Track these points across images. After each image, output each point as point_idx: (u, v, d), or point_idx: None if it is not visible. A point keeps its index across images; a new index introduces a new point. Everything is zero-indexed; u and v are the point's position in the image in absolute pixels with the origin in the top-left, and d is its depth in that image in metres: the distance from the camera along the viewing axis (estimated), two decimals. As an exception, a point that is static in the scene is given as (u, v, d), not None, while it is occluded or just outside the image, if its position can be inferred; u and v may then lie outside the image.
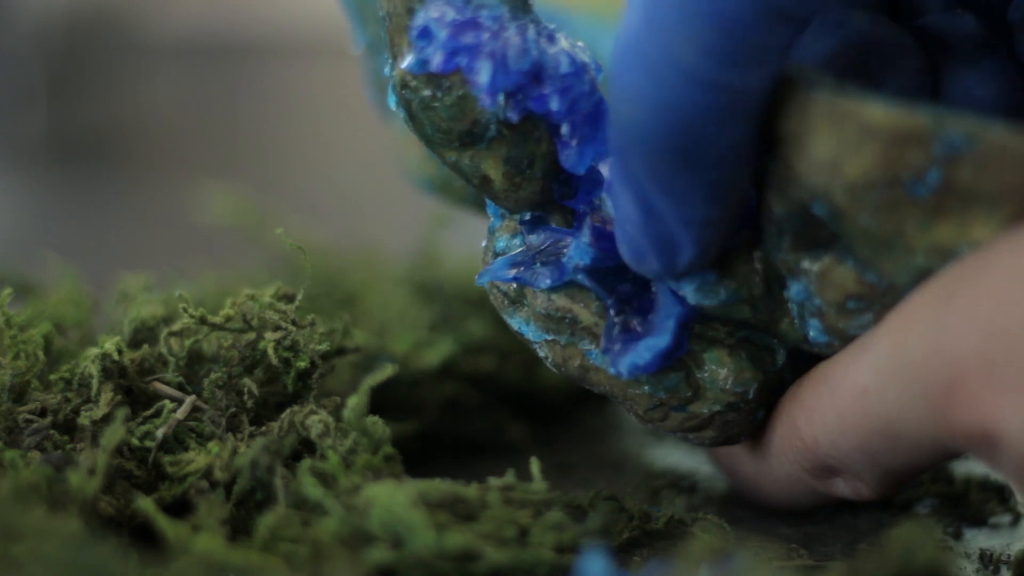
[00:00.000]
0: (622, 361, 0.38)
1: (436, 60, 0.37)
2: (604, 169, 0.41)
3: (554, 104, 0.38)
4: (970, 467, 0.46)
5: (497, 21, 0.38)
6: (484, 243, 0.41)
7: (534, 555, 0.34)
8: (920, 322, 0.33)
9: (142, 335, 0.42)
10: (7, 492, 0.34)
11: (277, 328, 0.40)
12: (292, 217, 0.57)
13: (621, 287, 0.39)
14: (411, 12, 0.38)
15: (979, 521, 0.42)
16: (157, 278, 0.47)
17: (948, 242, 0.34)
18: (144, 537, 0.36)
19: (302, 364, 0.40)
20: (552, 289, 0.39)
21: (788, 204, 0.35)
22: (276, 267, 0.56)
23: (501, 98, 0.38)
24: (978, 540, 0.41)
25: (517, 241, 0.40)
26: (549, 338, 0.40)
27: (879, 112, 0.33)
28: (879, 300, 0.35)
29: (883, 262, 0.35)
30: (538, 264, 0.40)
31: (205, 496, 0.36)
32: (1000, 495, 0.43)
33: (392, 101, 0.39)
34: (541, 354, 0.40)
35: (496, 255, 0.40)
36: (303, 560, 0.34)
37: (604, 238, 0.39)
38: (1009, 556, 0.39)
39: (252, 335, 0.40)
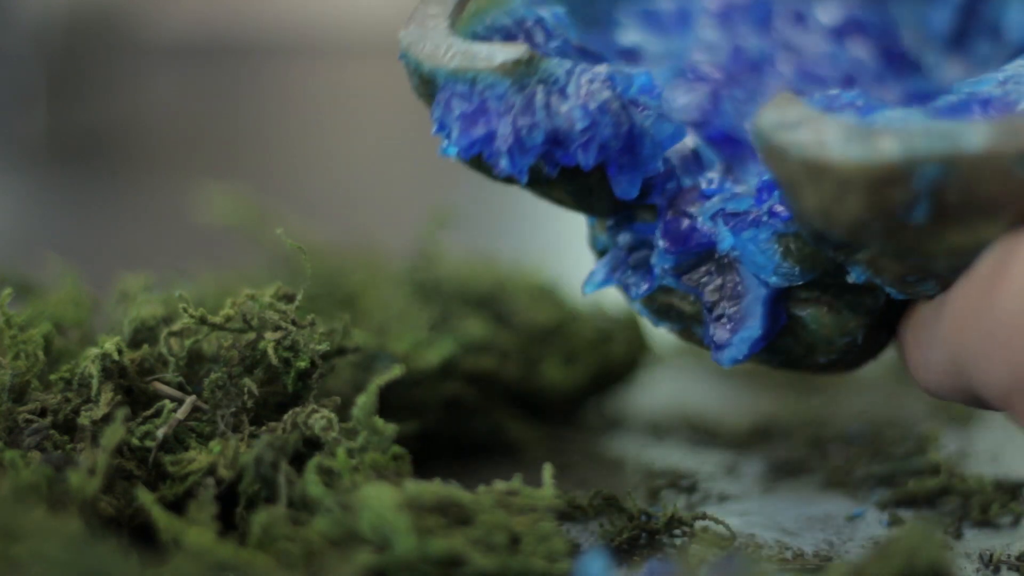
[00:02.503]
0: (723, 357, 0.39)
1: (457, 152, 0.38)
2: (684, 143, 0.41)
3: (581, 158, 0.38)
4: (971, 468, 0.46)
5: (502, 100, 0.38)
6: (587, 235, 0.42)
7: (523, 563, 0.34)
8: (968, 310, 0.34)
9: (142, 335, 0.42)
10: (7, 492, 0.34)
11: (277, 328, 0.40)
12: (292, 217, 0.57)
13: (710, 278, 0.39)
14: (429, 102, 0.38)
15: (979, 521, 0.42)
16: (157, 278, 0.47)
17: (963, 246, 0.34)
18: (144, 537, 0.36)
19: (302, 364, 0.40)
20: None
21: (809, 230, 0.36)
22: (276, 267, 0.56)
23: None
24: (978, 540, 0.41)
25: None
26: (663, 325, 0.41)
27: (850, 165, 0.33)
28: (933, 273, 0.36)
29: (914, 259, 0.35)
30: (630, 270, 0.40)
31: (206, 496, 0.36)
32: (1001, 495, 0.43)
33: None
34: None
35: (599, 253, 0.42)
36: (296, 559, 0.34)
37: (681, 240, 0.39)
38: (1009, 556, 0.39)
39: (252, 335, 0.40)
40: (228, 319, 0.40)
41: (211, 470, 0.37)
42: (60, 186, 1.16)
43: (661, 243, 0.40)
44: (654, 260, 0.40)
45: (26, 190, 1.14)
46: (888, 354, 0.42)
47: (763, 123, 0.34)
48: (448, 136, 0.38)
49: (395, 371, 0.38)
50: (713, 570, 0.32)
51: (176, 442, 0.39)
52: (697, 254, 0.39)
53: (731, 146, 0.41)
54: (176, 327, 0.41)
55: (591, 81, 0.38)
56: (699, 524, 0.40)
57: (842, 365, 0.40)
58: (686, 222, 0.40)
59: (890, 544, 0.33)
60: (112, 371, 0.39)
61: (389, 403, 0.44)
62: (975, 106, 0.36)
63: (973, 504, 0.43)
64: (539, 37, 0.41)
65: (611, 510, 0.40)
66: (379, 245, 0.60)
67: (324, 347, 0.40)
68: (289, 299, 0.41)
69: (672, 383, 0.58)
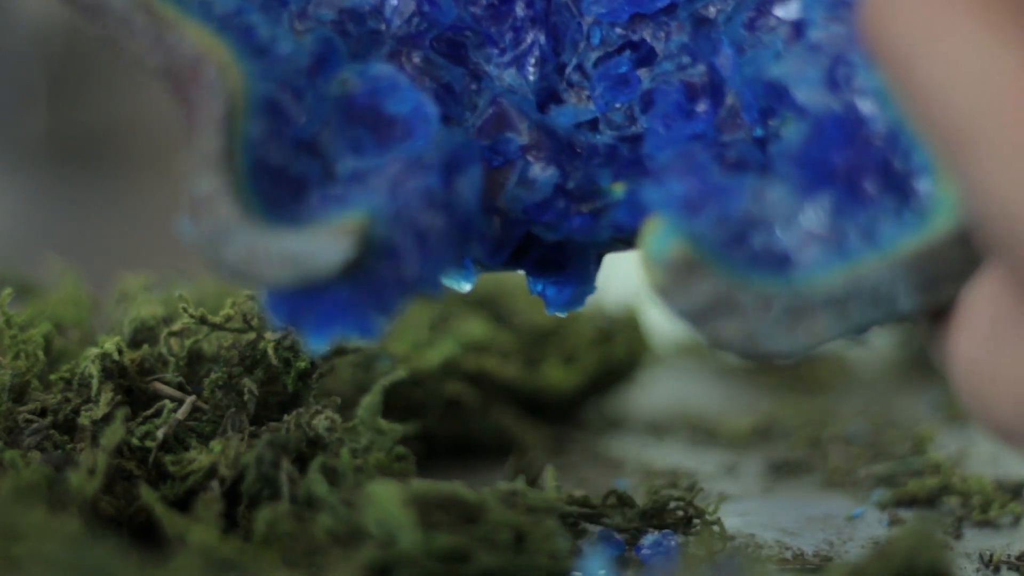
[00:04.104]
0: (559, 310, 0.38)
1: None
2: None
3: (437, 290, 0.36)
4: (971, 468, 0.47)
5: (354, 288, 0.33)
6: None
7: (527, 560, 0.34)
8: None
9: (142, 335, 0.42)
10: (7, 492, 0.34)
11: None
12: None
13: (529, 257, 0.38)
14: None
15: (979, 521, 0.43)
16: (157, 278, 0.47)
17: None
18: (144, 537, 0.36)
19: (302, 364, 0.40)
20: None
21: None
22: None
23: None
24: (978, 540, 0.41)
25: None
26: None
27: (789, 352, 0.32)
28: None
29: None
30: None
31: (212, 494, 0.37)
32: (1001, 495, 0.43)
33: None
34: None
35: None
36: (299, 556, 0.34)
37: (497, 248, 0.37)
38: (1009, 556, 0.39)
39: (252, 335, 0.40)
40: (228, 319, 0.40)
41: (212, 470, 0.37)
42: (60, 186, 1.16)
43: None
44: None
45: (26, 190, 1.15)
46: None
47: (679, 308, 0.32)
48: (300, 332, 0.33)
49: (399, 372, 0.38)
50: (713, 570, 0.32)
51: (176, 442, 0.39)
52: (509, 248, 0.37)
53: (456, 48, 0.37)
54: (176, 327, 0.41)
55: (411, 209, 0.33)
56: (700, 524, 0.40)
57: None
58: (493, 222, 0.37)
59: (890, 544, 0.33)
60: (112, 371, 0.39)
61: (390, 403, 0.44)
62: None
63: (973, 504, 0.43)
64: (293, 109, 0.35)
65: (616, 508, 0.40)
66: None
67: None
68: (289, 299, 0.41)
69: (672, 383, 0.58)
